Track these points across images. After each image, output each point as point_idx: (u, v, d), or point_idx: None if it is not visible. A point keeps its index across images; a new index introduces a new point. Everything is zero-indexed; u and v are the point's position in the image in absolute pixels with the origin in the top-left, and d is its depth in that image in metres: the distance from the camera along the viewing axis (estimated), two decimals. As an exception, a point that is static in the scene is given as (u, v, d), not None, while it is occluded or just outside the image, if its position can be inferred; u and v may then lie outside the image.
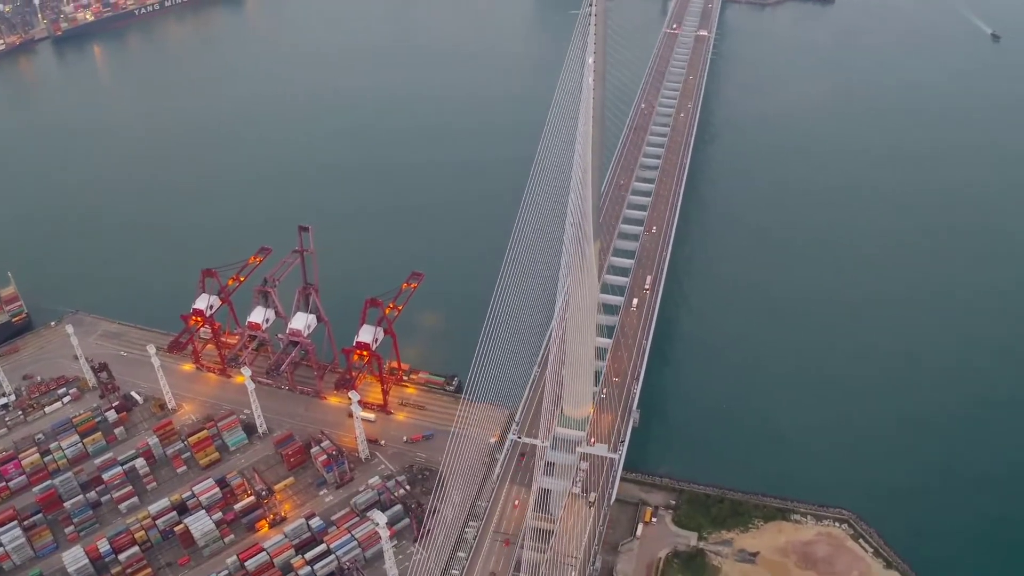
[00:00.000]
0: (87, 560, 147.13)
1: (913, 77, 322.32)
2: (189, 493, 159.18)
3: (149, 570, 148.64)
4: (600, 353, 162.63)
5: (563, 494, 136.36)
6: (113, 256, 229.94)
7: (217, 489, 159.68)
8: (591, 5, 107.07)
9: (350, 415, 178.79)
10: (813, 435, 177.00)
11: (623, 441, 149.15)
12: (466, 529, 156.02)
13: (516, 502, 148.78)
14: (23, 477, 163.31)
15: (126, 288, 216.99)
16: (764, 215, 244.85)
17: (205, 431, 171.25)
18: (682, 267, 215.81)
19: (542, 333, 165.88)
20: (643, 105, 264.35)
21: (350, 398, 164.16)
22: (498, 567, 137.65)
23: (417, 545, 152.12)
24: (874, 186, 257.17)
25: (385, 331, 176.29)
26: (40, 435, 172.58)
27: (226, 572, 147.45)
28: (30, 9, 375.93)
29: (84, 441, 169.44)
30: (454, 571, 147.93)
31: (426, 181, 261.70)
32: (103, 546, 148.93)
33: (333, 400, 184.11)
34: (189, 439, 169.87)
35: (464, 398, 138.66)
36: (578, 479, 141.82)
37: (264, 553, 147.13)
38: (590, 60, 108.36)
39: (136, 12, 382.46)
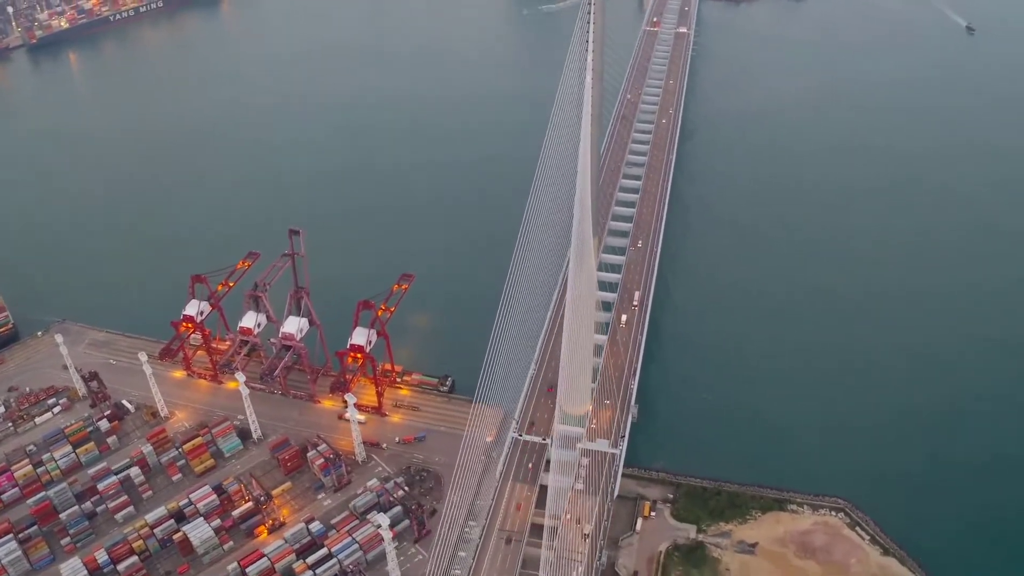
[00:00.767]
0: (86, 571, 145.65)
1: (890, 71, 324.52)
2: (186, 501, 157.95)
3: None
4: (596, 350, 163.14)
5: (566, 491, 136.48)
6: (98, 264, 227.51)
7: (214, 496, 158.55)
8: (590, 4, 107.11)
9: (340, 417, 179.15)
10: (805, 427, 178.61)
11: (623, 436, 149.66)
12: (466, 528, 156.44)
13: (519, 503, 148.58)
14: (16, 489, 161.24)
15: (112, 296, 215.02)
16: (750, 212, 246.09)
17: (199, 438, 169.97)
18: (672, 265, 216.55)
19: (538, 332, 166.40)
20: (629, 96, 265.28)
21: (346, 401, 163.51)
22: (505, 564, 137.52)
23: (418, 545, 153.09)
24: (855, 181, 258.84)
25: (378, 333, 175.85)
26: (32, 446, 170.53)
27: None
28: (3, 17, 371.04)
29: (77, 451, 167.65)
30: (456, 571, 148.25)
31: (411, 182, 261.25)
32: (101, 556, 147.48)
33: (327, 403, 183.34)
34: (183, 446, 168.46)
35: (475, 399, 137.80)
36: (580, 475, 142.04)
37: (265, 559, 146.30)
38: (590, 59, 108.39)
39: (111, 18, 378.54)
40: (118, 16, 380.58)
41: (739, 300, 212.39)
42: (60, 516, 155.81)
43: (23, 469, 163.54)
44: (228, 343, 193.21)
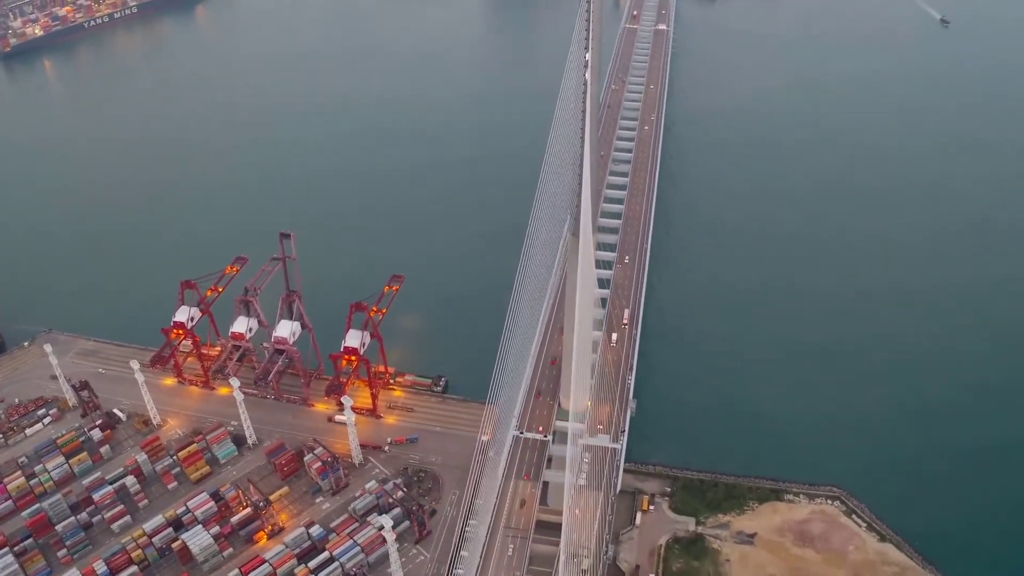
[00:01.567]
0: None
1: (866, 66, 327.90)
2: (184, 508, 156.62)
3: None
4: (593, 346, 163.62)
5: (569, 487, 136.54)
6: (83, 272, 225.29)
7: (212, 503, 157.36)
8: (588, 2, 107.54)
9: (330, 419, 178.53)
10: (798, 419, 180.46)
11: (623, 431, 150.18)
12: (467, 528, 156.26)
13: (523, 500, 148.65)
14: (10, 502, 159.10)
15: (99, 304, 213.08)
16: (736, 208, 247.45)
17: (194, 445, 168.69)
18: (662, 262, 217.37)
19: (534, 329, 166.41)
20: (614, 85, 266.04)
21: (343, 403, 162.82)
22: (512, 561, 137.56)
23: (419, 546, 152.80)
24: (835, 176, 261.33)
25: (371, 335, 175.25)
26: (23, 458, 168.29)
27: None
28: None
29: (70, 462, 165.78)
30: (459, 571, 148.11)
31: (396, 184, 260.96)
32: (100, 568, 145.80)
33: (320, 407, 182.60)
34: (178, 454, 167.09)
35: (488, 399, 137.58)
36: (583, 471, 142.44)
37: (266, 564, 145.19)
38: (587, 56, 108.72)
39: (86, 25, 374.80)
40: (92, 23, 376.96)
41: (728, 296, 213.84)
42: (56, 528, 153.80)
43: (15, 481, 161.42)
44: (219, 349, 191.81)
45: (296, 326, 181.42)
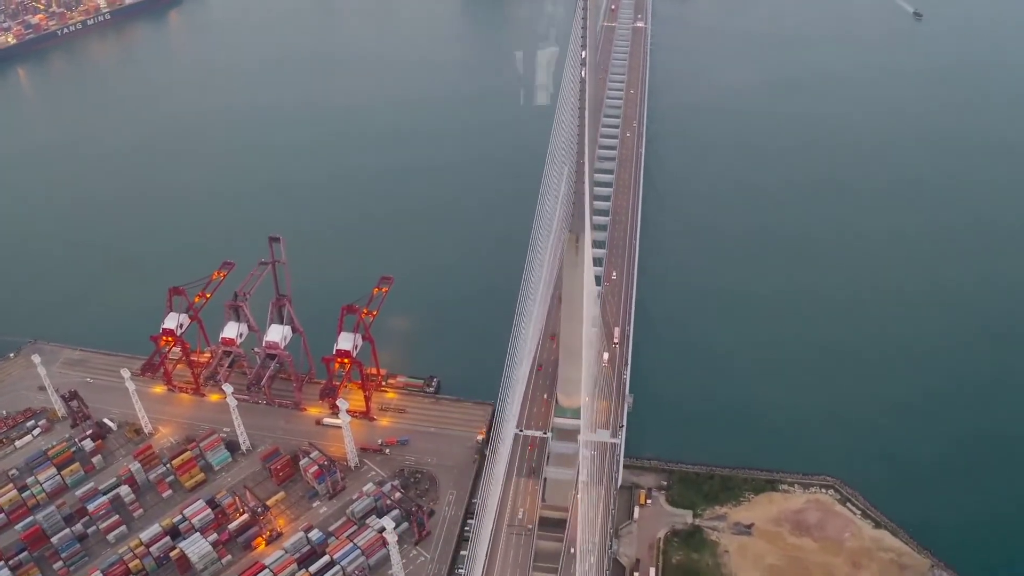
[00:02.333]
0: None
1: (841, 61, 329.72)
2: (180, 517, 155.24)
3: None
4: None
5: (571, 483, 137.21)
6: (67, 281, 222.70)
7: (209, 510, 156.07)
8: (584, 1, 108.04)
9: (318, 422, 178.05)
10: (790, 411, 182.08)
11: (622, 426, 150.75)
12: (466, 528, 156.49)
13: (526, 497, 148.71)
14: (2, 515, 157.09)
15: (84, 313, 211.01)
16: (723, 207, 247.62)
17: (188, 452, 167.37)
18: (651, 262, 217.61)
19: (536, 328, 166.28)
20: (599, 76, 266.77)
21: (338, 407, 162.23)
22: (518, 559, 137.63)
23: (419, 547, 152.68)
24: (815, 172, 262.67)
25: (363, 337, 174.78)
26: (14, 470, 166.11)
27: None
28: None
29: (62, 473, 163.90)
30: (460, 570, 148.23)
31: (379, 186, 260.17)
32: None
33: (313, 411, 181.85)
34: (172, 462, 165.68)
35: (498, 399, 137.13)
36: (584, 466, 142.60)
37: (267, 571, 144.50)
38: (583, 54, 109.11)
39: (59, 32, 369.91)
40: (66, 30, 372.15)
41: (717, 293, 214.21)
42: (51, 540, 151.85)
43: (8, 494, 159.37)
44: (208, 355, 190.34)
45: (287, 330, 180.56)
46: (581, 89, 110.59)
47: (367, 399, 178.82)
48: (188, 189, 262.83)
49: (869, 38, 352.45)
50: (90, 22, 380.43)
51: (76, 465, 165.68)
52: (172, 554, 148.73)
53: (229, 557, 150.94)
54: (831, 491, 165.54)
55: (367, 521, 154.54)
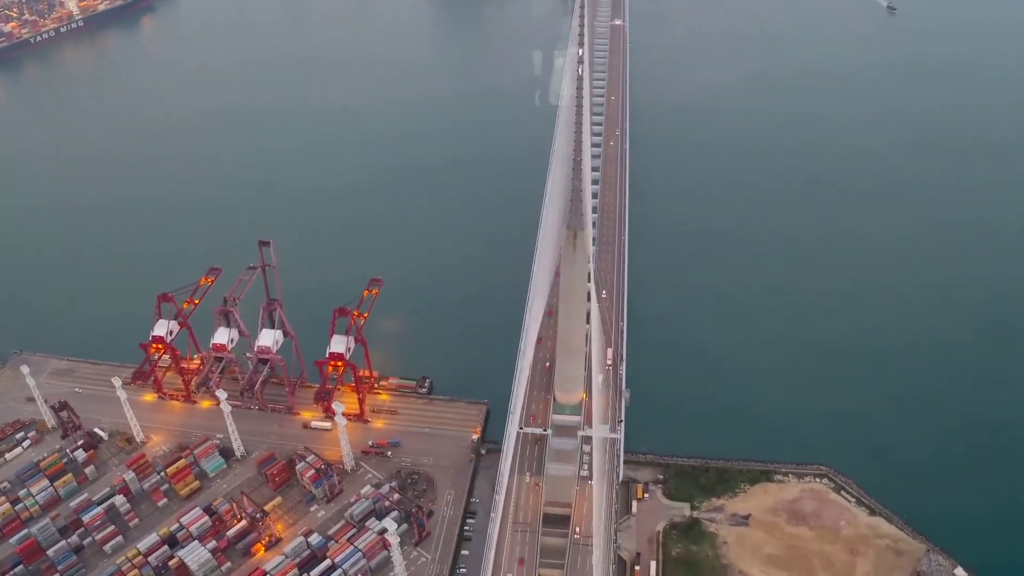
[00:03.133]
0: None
1: (816, 57, 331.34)
2: (177, 525, 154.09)
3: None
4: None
5: (572, 479, 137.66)
6: (52, 291, 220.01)
7: (206, 517, 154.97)
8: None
9: (306, 426, 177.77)
10: (781, 403, 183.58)
11: (621, 421, 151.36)
12: (466, 528, 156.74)
13: (528, 494, 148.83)
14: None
15: (70, 323, 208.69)
16: (710, 205, 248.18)
17: (182, 460, 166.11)
18: (640, 257, 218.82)
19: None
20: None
21: (334, 410, 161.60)
22: (524, 555, 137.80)
23: (419, 548, 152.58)
24: (795, 170, 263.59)
25: (356, 339, 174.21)
26: (5, 483, 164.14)
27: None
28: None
29: (54, 484, 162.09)
30: (461, 569, 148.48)
31: (363, 189, 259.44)
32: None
33: (307, 415, 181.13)
34: (166, 470, 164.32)
35: (511, 401, 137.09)
36: (585, 462, 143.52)
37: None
38: (580, 52, 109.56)
39: (32, 40, 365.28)
40: (39, 38, 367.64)
41: (705, 290, 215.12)
42: (47, 553, 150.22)
43: (0, 507, 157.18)
44: (198, 362, 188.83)
45: (278, 334, 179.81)
46: (579, 87, 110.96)
47: (361, 402, 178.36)
48: (171, 195, 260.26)
49: (844, 33, 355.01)
50: (63, 29, 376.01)
51: (69, 476, 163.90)
52: (171, 563, 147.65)
53: (229, 564, 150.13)
54: (825, 480, 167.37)
55: (367, 523, 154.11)
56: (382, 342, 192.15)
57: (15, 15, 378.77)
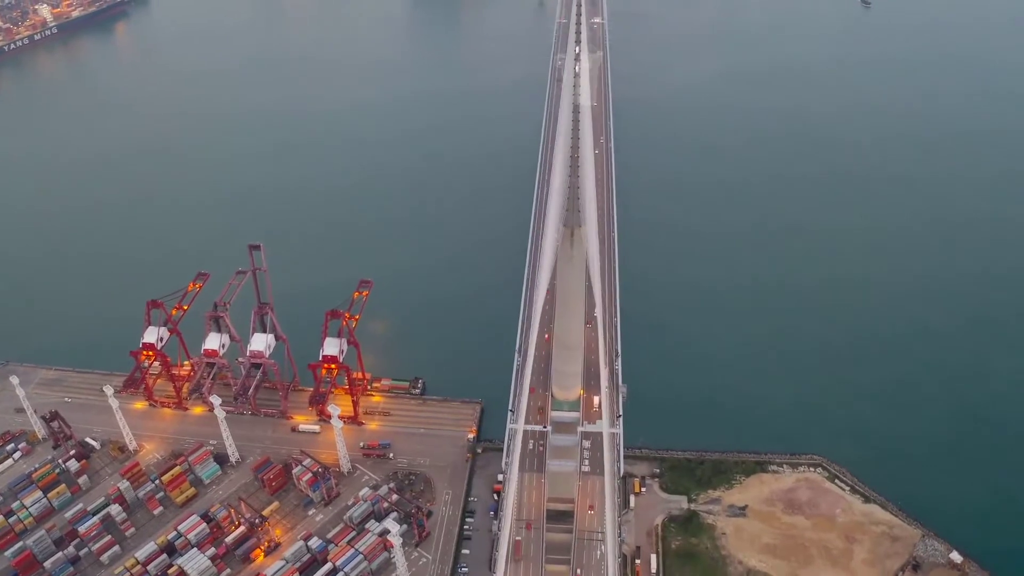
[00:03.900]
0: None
1: (792, 52, 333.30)
2: (175, 533, 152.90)
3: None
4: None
5: (573, 474, 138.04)
6: (37, 301, 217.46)
7: (204, 524, 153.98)
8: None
9: (294, 429, 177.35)
10: (773, 396, 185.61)
11: (619, 416, 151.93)
12: (465, 527, 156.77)
13: (531, 491, 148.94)
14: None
15: (56, 332, 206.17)
16: (697, 203, 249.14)
17: (177, 467, 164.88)
18: (630, 254, 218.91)
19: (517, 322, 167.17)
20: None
21: (330, 413, 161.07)
22: (530, 552, 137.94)
23: (420, 549, 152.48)
24: (777, 167, 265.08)
25: (348, 341, 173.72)
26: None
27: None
28: None
29: (48, 496, 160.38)
30: (463, 568, 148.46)
31: (348, 191, 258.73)
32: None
33: (300, 418, 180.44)
34: (161, 478, 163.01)
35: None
36: (585, 457, 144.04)
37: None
38: (577, 49, 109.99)
39: (5, 48, 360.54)
40: (12, 46, 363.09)
41: (695, 286, 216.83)
42: (44, 565, 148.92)
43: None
44: (188, 368, 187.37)
45: (271, 338, 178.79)
46: (575, 84, 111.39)
47: (355, 404, 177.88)
48: (154, 200, 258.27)
49: (821, 28, 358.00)
50: (37, 36, 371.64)
51: (62, 487, 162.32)
52: (170, 571, 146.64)
53: (228, 571, 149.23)
54: (819, 469, 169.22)
55: (366, 526, 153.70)
56: (373, 344, 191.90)
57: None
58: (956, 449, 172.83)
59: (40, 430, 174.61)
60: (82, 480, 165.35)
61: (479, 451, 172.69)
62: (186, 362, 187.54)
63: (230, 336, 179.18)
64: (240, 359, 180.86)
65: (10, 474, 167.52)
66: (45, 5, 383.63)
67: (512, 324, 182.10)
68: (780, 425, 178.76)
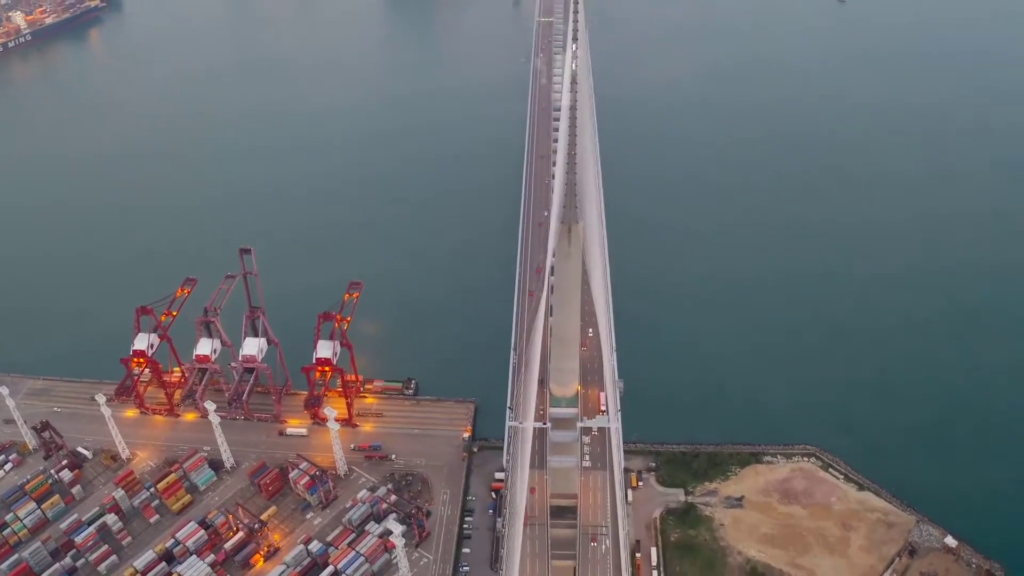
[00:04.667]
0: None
1: (770, 47, 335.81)
2: (173, 541, 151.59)
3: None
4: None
5: (574, 469, 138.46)
6: (23, 310, 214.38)
7: (201, 531, 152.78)
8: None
9: (281, 433, 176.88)
10: (766, 388, 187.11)
11: (618, 410, 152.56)
12: (465, 525, 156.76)
13: (532, 488, 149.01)
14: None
15: (42, 341, 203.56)
16: (685, 198, 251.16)
17: (172, 474, 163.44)
18: (621, 250, 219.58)
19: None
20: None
21: (325, 416, 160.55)
22: (535, 549, 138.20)
23: (420, 549, 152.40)
24: (762, 164, 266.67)
25: (341, 343, 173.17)
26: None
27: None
28: None
29: (42, 507, 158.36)
30: (464, 568, 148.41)
31: (337, 191, 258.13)
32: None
33: (294, 422, 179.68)
34: (156, 486, 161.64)
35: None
36: (585, 452, 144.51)
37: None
38: (575, 47, 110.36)
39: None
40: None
41: (686, 283, 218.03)
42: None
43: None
44: (178, 375, 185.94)
45: (263, 342, 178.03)
46: (573, 81, 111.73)
47: (349, 406, 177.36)
48: (138, 205, 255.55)
49: (797, 23, 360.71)
50: (11, 44, 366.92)
51: (56, 497, 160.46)
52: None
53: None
54: (812, 459, 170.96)
55: (366, 527, 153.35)
56: (365, 345, 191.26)
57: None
58: (946, 437, 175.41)
59: (31, 441, 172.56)
60: (76, 490, 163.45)
61: (475, 450, 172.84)
62: (176, 368, 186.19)
63: (221, 341, 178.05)
64: (232, 364, 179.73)
65: (2, 486, 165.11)
66: (19, 12, 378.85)
67: (504, 323, 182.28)
68: (773, 416, 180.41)
